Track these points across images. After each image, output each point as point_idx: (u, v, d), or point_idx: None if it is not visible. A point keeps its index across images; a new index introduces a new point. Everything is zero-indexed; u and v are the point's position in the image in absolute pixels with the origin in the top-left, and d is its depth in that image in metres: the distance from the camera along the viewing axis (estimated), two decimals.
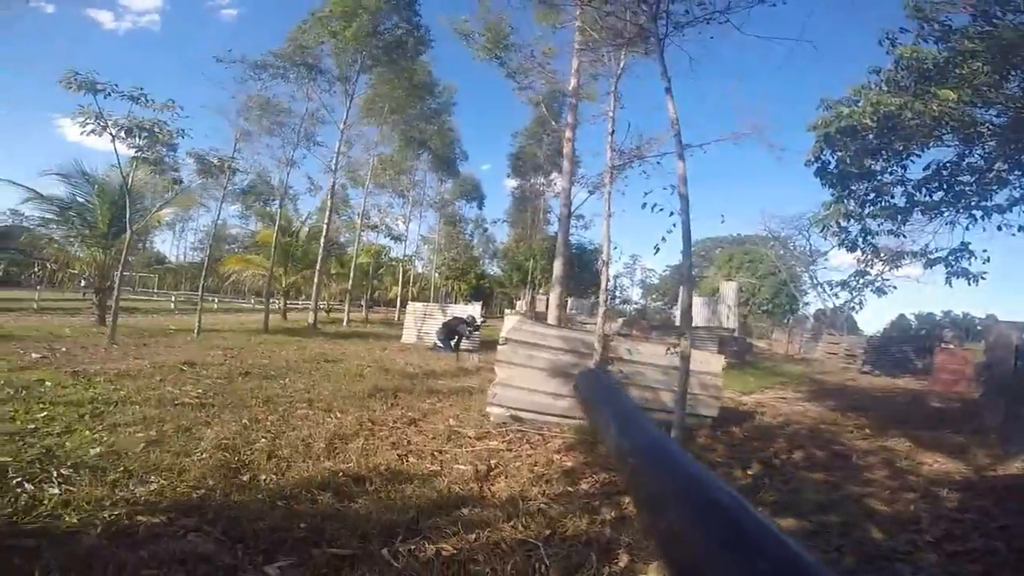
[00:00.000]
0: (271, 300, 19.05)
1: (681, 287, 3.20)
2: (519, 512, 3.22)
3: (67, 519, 2.89)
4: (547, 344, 5.62)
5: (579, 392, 0.65)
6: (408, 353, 12.13)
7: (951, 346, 15.48)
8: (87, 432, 4.46)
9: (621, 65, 8.03)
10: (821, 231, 11.61)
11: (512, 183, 38.50)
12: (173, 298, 28.88)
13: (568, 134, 11.44)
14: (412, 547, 2.74)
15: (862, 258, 12.23)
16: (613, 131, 6.77)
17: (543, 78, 14.88)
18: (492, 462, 4.26)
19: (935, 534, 3.28)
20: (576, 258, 30.91)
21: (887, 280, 14.66)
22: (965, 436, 6.73)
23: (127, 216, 11.03)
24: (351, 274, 22.94)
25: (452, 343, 12.73)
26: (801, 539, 3.20)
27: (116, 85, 9.62)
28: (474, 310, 15.01)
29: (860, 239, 12.17)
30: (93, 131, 9.73)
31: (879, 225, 11.09)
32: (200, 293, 14.43)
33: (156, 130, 10.21)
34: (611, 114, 7.54)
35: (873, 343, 19.66)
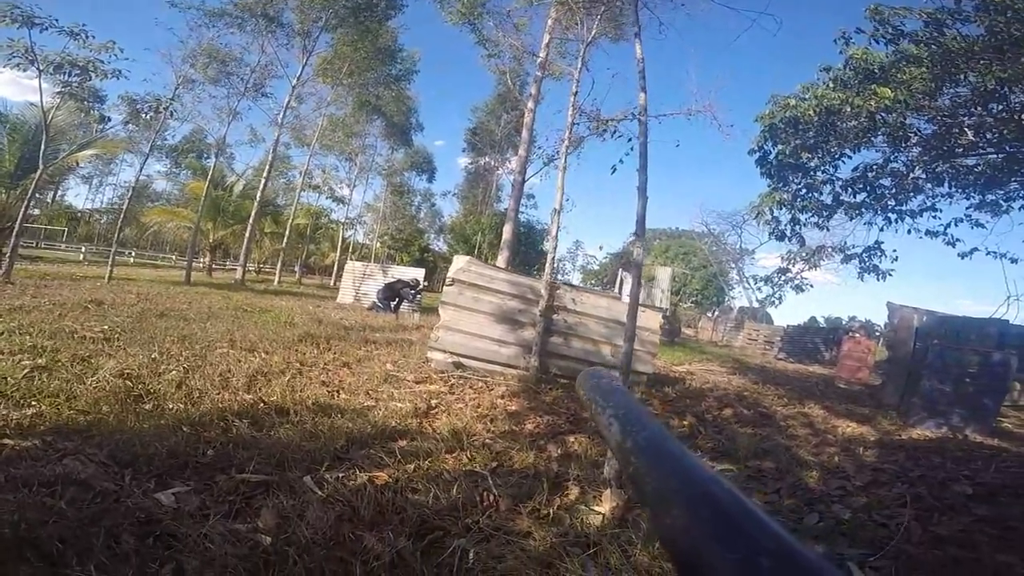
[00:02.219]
0: (196, 257, 17.57)
1: (635, 240, 3.10)
2: (463, 446, 3.03)
3: None
4: (495, 287, 5.43)
5: (580, 392, 0.64)
6: (344, 311, 11.56)
7: (857, 335, 16.89)
8: None
9: (592, 32, 7.93)
10: (755, 217, 12.31)
11: (466, 160, 37.70)
12: (83, 249, 26.05)
13: (530, 105, 11.31)
14: (340, 475, 2.48)
15: (786, 256, 13.30)
16: (576, 91, 6.59)
17: (513, 52, 14.55)
18: (432, 402, 4.05)
19: (862, 480, 3.44)
20: (523, 235, 30.89)
21: (806, 279, 15.78)
22: (869, 410, 7.29)
23: (41, 153, 9.77)
24: (286, 232, 21.58)
25: (393, 304, 12.33)
26: (742, 482, 3.26)
27: (56, 20, 8.76)
28: (418, 273, 14.56)
29: (789, 229, 13.04)
30: (19, 65, 8.68)
31: (807, 218, 12.11)
32: (115, 239, 13.03)
33: (90, 68, 9.36)
34: (576, 76, 7.38)
35: (789, 333, 21.14)
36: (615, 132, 6.45)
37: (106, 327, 5.66)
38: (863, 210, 10.83)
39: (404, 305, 12.60)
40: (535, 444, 3.29)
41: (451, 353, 5.23)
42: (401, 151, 32.49)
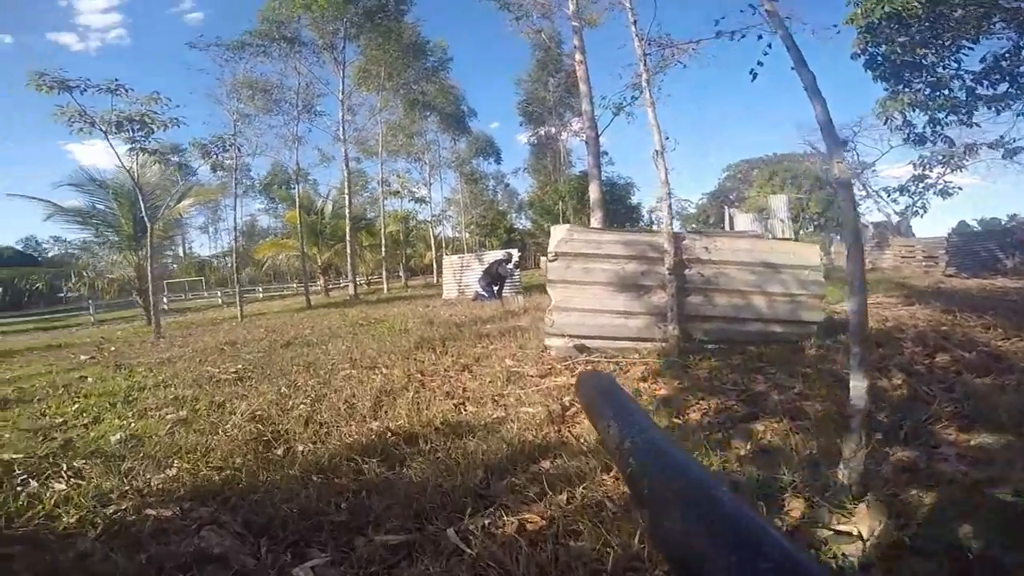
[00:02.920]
0: (313, 281, 18.83)
1: (835, 151, 2.15)
2: None
3: (65, 518, 2.35)
4: (607, 252, 4.72)
5: (579, 394, 0.64)
6: (452, 307, 11.52)
7: None
8: (115, 420, 4.03)
9: None
10: (885, 123, 10.70)
11: (526, 135, 36.63)
12: (220, 293, 29.54)
13: (579, 57, 10.24)
14: (486, 522, 2.02)
15: (918, 162, 11.81)
16: (635, 20, 5.54)
17: (540, 10, 13.41)
18: (565, 400, 3.51)
19: None
20: (607, 194, 29.37)
21: (950, 183, 13.18)
22: None
23: (141, 210, 10.74)
24: (382, 242, 22.47)
25: (495, 289, 12.10)
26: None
27: (89, 79, 9.23)
28: (511, 251, 14.21)
29: (928, 130, 10.88)
30: (81, 130, 9.39)
31: (946, 117, 10.40)
32: (235, 279, 14.20)
33: (147, 120, 9.83)
34: (628, 3, 6.28)
35: (954, 243, 17.53)
36: (740, 35, 5.31)
37: (240, 366, 5.91)
38: (1008, 100, 9.80)
39: (507, 289, 12.30)
40: (712, 439, 2.61)
41: (571, 336, 4.66)
42: (463, 141, 32.43)
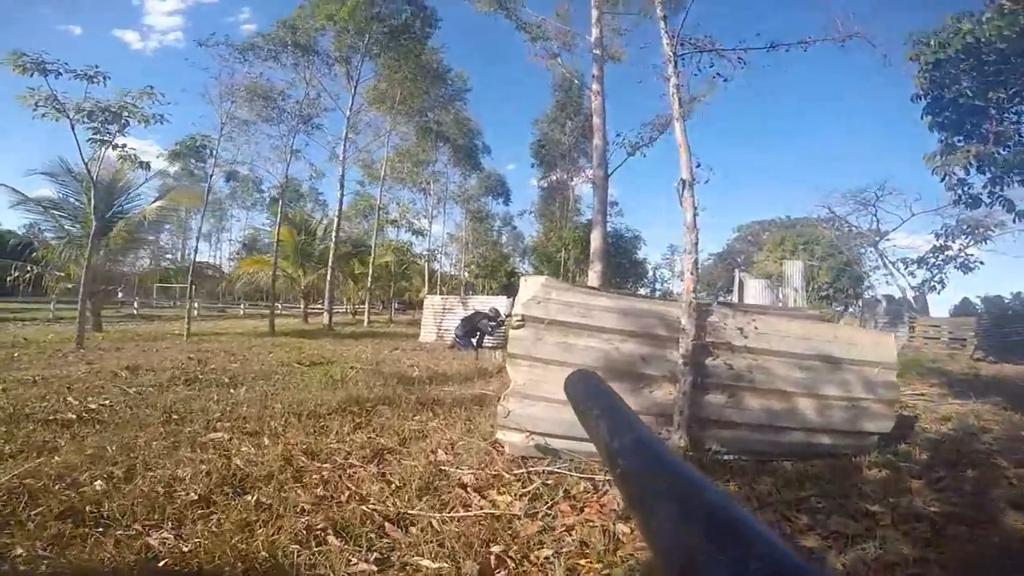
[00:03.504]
0: (295, 304, 17.44)
1: None
2: None
3: None
4: (596, 324, 3.38)
5: (569, 393, 0.65)
6: (421, 353, 10.10)
7: None
8: None
9: None
10: (943, 179, 9.52)
11: (538, 178, 36.18)
12: (197, 305, 28.13)
13: (596, 88, 9.43)
14: None
15: (942, 231, 10.47)
16: (665, 16, 4.49)
17: (559, 38, 12.88)
18: (496, 549, 2.12)
19: None
20: (612, 244, 28.45)
21: (971, 256, 12.08)
22: None
23: (90, 207, 9.63)
24: (369, 271, 21.25)
25: (474, 340, 10.73)
26: None
27: (67, 63, 8.46)
28: (498, 303, 12.89)
29: (986, 192, 9.74)
30: (46, 115, 8.46)
31: (1016, 177, 9.14)
32: (189, 296, 12.98)
33: (125, 113, 8.99)
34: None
35: (983, 324, 16.11)
36: (739, 59, 4.24)
37: (105, 401, 4.55)
38: None
39: (488, 341, 10.94)
40: None
41: (532, 433, 3.23)
42: (473, 177, 31.83)
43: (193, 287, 13.32)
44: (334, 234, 16.75)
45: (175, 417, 4.12)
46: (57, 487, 2.55)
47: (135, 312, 22.43)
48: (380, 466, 3.14)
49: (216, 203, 46.84)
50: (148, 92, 9.11)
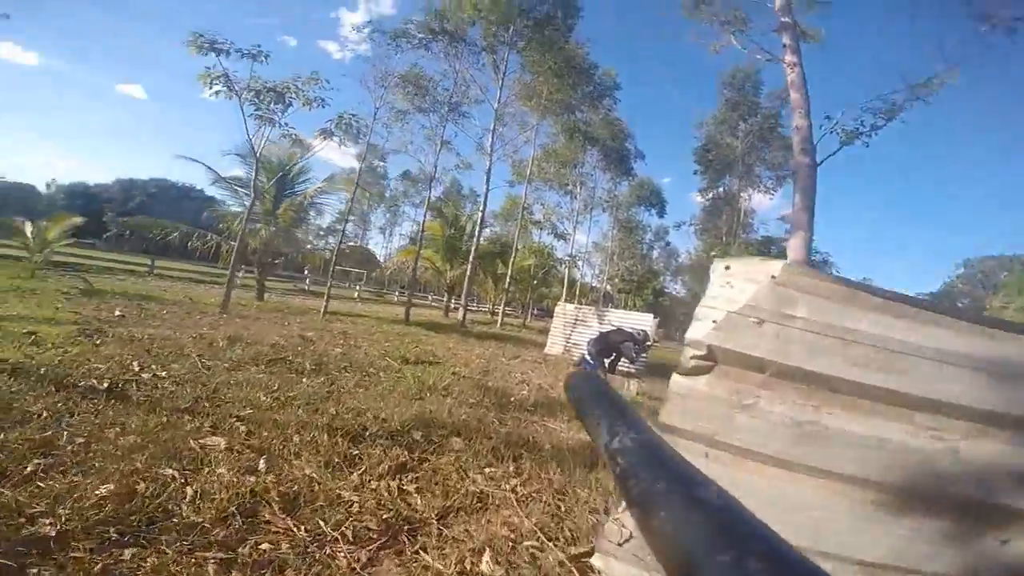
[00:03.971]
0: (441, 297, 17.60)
1: None
2: None
3: None
4: (916, 384, 1.50)
5: (569, 395, 0.64)
6: (541, 367, 8.68)
7: None
8: None
9: None
10: None
11: (702, 188, 32.18)
12: (358, 287, 30.79)
13: (790, 59, 7.08)
14: None
15: None
16: None
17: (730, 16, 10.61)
18: None
19: None
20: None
21: None
22: None
23: (252, 183, 10.22)
24: (509, 272, 20.62)
25: (608, 361, 9.01)
26: None
27: (233, 43, 9.05)
28: (642, 322, 10.89)
29: None
30: (218, 93, 9.15)
31: None
32: (330, 275, 13.35)
33: (288, 94, 9.47)
34: None
35: None
36: None
37: (161, 373, 3.99)
38: None
39: (623, 364, 9.12)
40: None
41: None
42: (624, 183, 29.50)
43: (335, 268, 13.80)
44: (477, 229, 16.32)
45: (202, 406, 3.28)
46: None
47: (306, 287, 24.97)
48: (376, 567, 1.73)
49: (392, 200, 51.71)
50: (314, 78, 9.46)
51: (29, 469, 2.10)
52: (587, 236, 30.12)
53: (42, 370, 3.63)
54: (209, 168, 13.78)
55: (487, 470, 2.87)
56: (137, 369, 4.09)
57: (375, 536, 1.96)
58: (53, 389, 3.23)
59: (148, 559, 1.65)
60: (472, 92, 15.93)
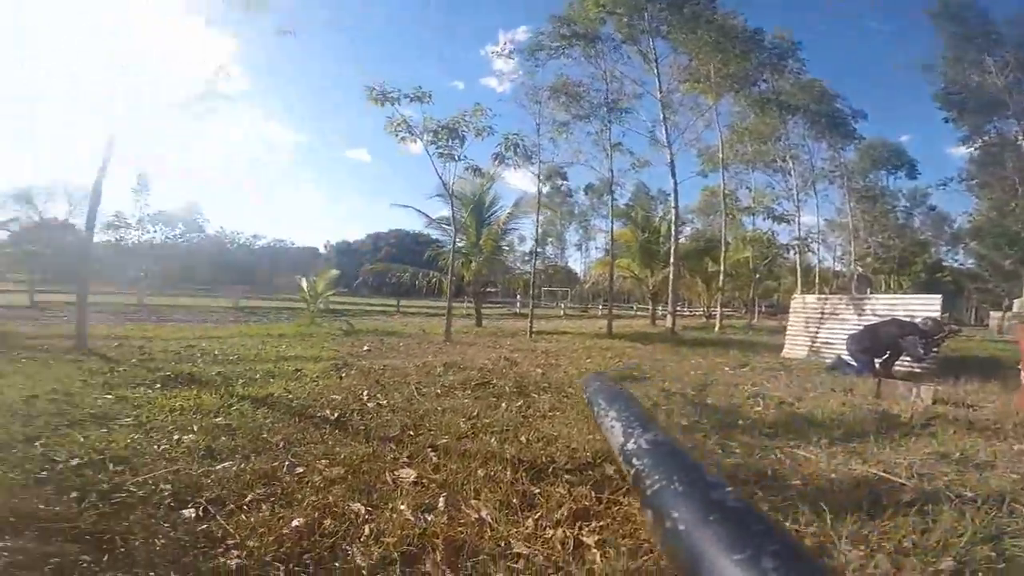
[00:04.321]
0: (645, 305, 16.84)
1: None
2: None
3: None
4: None
5: (585, 396, 0.80)
6: (780, 376, 7.04)
7: None
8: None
9: None
10: None
11: (962, 139, 23.76)
12: (563, 306, 31.64)
13: None
14: None
15: None
16: None
17: None
18: None
19: None
20: None
21: None
22: None
23: (451, 214, 11.22)
24: (721, 269, 18.43)
25: (880, 362, 7.05)
26: None
27: (400, 89, 10.05)
28: (931, 305, 8.16)
29: None
30: (404, 138, 10.27)
31: None
32: (531, 296, 13.82)
33: (460, 128, 10.21)
34: None
35: None
36: None
37: (382, 402, 4.30)
38: None
39: (903, 363, 7.02)
40: None
41: None
42: (850, 149, 23.96)
43: (537, 288, 14.23)
44: (672, 228, 15.01)
45: (407, 435, 3.35)
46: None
47: (517, 311, 26.61)
48: None
49: (581, 215, 52.57)
50: (478, 109, 10.15)
51: (248, 498, 2.27)
52: (815, 215, 24.92)
53: (293, 402, 4.27)
54: (420, 212, 15.80)
55: None
56: (365, 399, 4.51)
57: None
58: (296, 420, 3.70)
59: None
60: (627, 88, 15.15)
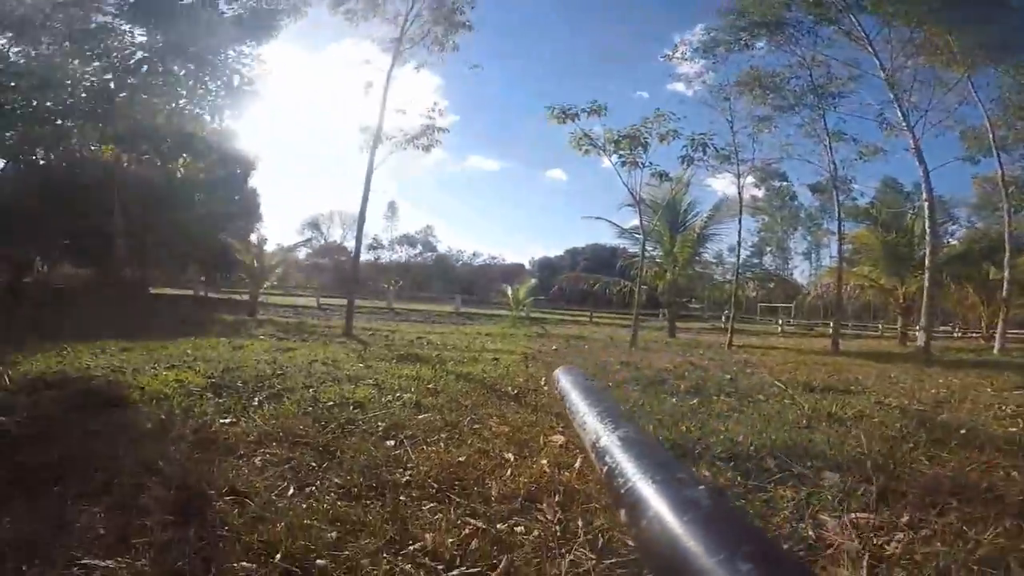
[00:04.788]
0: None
1: None
2: None
3: None
4: None
5: (556, 389, 0.67)
6: None
7: None
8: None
9: None
10: None
11: None
12: (780, 321, 27.82)
13: None
14: None
15: None
16: None
17: None
18: None
19: None
20: None
21: None
22: None
23: (640, 225, 11.21)
24: (1004, 276, 13.99)
25: None
26: None
27: (577, 106, 10.52)
28: None
29: None
30: (588, 151, 10.73)
31: None
32: (731, 306, 12.57)
33: (641, 134, 10.33)
34: None
35: None
36: None
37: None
38: None
39: None
40: None
41: None
42: None
43: (747, 302, 12.99)
44: (926, 225, 12.08)
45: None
46: None
47: (722, 325, 24.48)
48: None
49: (809, 219, 45.37)
50: (660, 114, 10.19)
51: (434, 438, 2.90)
52: None
53: (486, 379, 5.03)
54: (610, 222, 16.01)
55: (856, 515, 1.90)
56: (542, 383, 5.01)
57: None
58: (486, 391, 4.40)
59: (461, 523, 1.93)
60: (837, 72, 12.70)
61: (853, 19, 12.11)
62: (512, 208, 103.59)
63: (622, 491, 0.36)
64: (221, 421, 3.01)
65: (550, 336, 12.12)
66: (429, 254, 64.31)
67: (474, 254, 68.57)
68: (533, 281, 15.98)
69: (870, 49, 12.05)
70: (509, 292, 14.68)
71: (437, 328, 12.58)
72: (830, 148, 12.66)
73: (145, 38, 11.32)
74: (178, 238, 20.20)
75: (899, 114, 12.02)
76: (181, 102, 12.37)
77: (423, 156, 12.97)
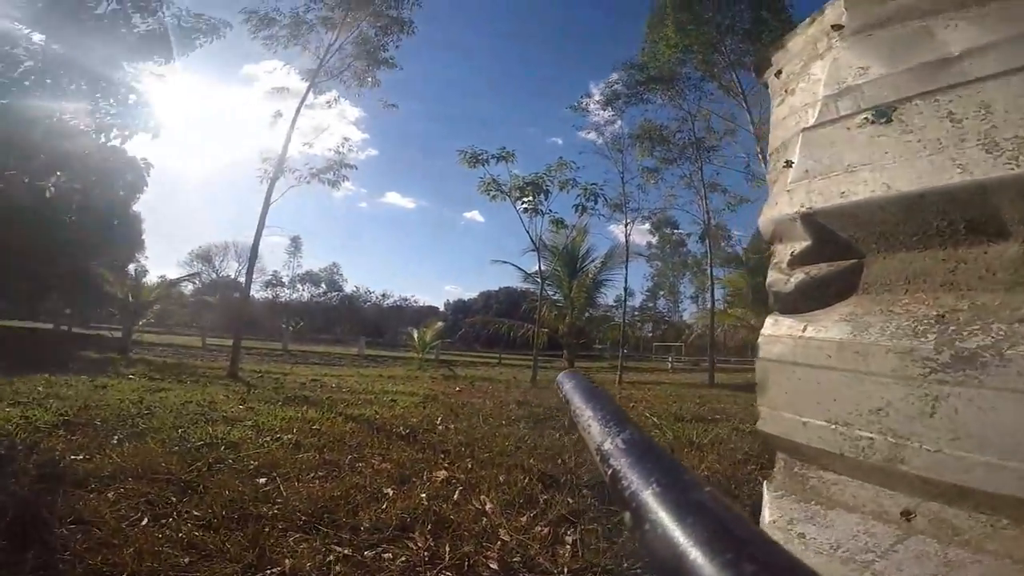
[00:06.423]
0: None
1: None
2: None
3: None
4: None
5: (559, 394, 0.58)
6: None
7: None
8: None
9: None
10: None
11: None
12: (671, 359, 30.15)
13: None
14: None
15: None
16: None
17: None
18: None
19: None
20: None
21: None
22: None
23: (539, 268, 11.79)
24: None
25: None
26: None
27: (487, 150, 11.16)
28: None
29: None
30: (495, 196, 11.29)
31: None
32: (621, 345, 13.53)
33: (543, 182, 11.11)
34: None
35: None
36: None
37: (452, 427, 4.75)
38: None
39: None
40: None
41: None
42: None
43: (638, 341, 13.93)
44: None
45: (459, 450, 3.78)
46: None
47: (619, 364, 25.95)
48: None
49: (696, 264, 50.27)
50: (562, 163, 11.11)
51: (310, 475, 2.87)
52: None
53: (377, 421, 4.96)
54: (516, 267, 16.64)
55: None
56: (437, 423, 5.07)
57: None
58: (375, 432, 4.34)
59: (326, 550, 1.97)
60: (716, 125, 14.77)
61: (733, 75, 14.25)
62: (429, 249, 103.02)
63: (626, 494, 0.36)
64: (72, 457, 2.76)
65: (456, 378, 12.13)
66: (334, 294, 61.57)
67: (383, 295, 66.84)
68: (440, 324, 15.98)
69: (744, 104, 14.14)
70: (415, 335, 14.54)
71: (335, 371, 12.02)
72: (705, 198, 14.46)
73: (42, 46, 10.22)
74: (35, 264, 17.53)
75: (763, 165, 14.10)
76: (65, 116, 11.16)
77: (331, 191, 12.72)
